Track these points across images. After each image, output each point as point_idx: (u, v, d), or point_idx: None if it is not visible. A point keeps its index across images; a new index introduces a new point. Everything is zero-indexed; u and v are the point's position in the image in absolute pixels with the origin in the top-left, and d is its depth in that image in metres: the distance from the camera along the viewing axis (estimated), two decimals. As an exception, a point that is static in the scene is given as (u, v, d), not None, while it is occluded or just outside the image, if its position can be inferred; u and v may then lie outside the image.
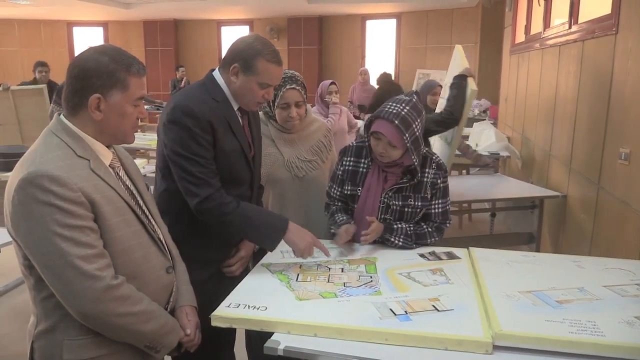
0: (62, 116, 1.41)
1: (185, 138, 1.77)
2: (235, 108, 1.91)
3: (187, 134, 1.77)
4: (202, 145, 1.79)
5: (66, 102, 1.39)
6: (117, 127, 1.41)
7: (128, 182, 1.51)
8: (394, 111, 1.96)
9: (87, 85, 1.34)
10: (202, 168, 1.79)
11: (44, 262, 1.28)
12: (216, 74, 1.90)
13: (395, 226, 2.07)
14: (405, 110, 1.96)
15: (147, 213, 1.54)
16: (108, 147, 1.46)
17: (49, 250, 1.26)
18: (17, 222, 1.29)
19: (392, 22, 12.05)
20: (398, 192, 2.08)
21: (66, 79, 1.38)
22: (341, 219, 2.12)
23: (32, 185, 1.26)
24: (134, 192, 1.52)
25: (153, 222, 1.55)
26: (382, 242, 2.08)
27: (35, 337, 1.39)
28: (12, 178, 1.31)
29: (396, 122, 1.93)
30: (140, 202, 1.53)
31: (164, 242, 1.57)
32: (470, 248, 2.07)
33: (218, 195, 1.81)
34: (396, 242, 2.06)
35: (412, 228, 2.09)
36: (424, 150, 2.10)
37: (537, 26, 4.92)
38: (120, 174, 1.49)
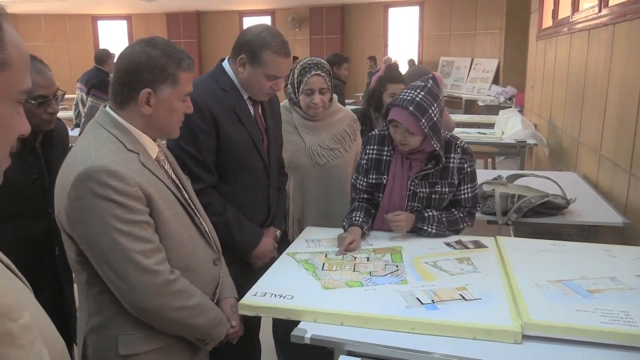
0: (108, 108, 1.39)
1: (183, 130, 1.75)
2: (245, 97, 1.90)
3: (186, 125, 1.73)
4: (200, 138, 1.79)
5: (114, 95, 1.37)
6: (165, 122, 1.40)
7: (173, 176, 1.51)
8: (408, 97, 1.93)
9: (138, 79, 1.33)
10: (197, 162, 1.80)
11: (102, 258, 1.28)
12: (225, 64, 1.91)
13: (426, 214, 2.04)
14: (420, 96, 1.92)
15: (193, 206, 1.53)
16: (154, 140, 1.45)
17: (108, 245, 1.26)
18: (74, 217, 1.28)
19: (415, 10, 11.91)
20: (424, 179, 2.05)
21: (115, 72, 1.37)
22: (358, 217, 2.04)
23: (91, 180, 1.25)
24: (179, 185, 1.52)
25: (199, 215, 1.55)
26: (413, 231, 2.04)
27: (87, 332, 1.39)
28: (66, 173, 1.30)
29: (411, 108, 1.90)
30: (185, 195, 1.52)
31: (210, 234, 1.57)
32: (498, 237, 2.04)
33: (210, 192, 1.82)
34: (430, 230, 2.03)
35: (443, 215, 2.06)
36: (447, 135, 2.07)
37: (565, 10, 4.80)
38: (166, 167, 1.48)
